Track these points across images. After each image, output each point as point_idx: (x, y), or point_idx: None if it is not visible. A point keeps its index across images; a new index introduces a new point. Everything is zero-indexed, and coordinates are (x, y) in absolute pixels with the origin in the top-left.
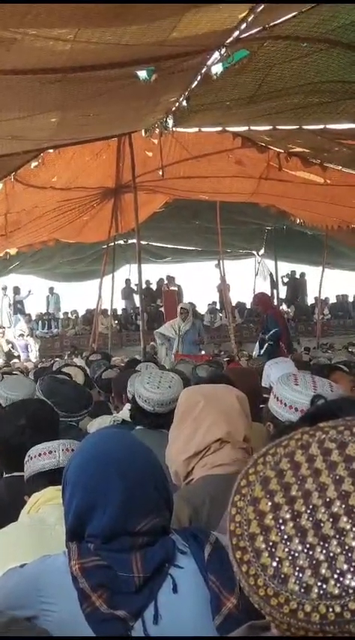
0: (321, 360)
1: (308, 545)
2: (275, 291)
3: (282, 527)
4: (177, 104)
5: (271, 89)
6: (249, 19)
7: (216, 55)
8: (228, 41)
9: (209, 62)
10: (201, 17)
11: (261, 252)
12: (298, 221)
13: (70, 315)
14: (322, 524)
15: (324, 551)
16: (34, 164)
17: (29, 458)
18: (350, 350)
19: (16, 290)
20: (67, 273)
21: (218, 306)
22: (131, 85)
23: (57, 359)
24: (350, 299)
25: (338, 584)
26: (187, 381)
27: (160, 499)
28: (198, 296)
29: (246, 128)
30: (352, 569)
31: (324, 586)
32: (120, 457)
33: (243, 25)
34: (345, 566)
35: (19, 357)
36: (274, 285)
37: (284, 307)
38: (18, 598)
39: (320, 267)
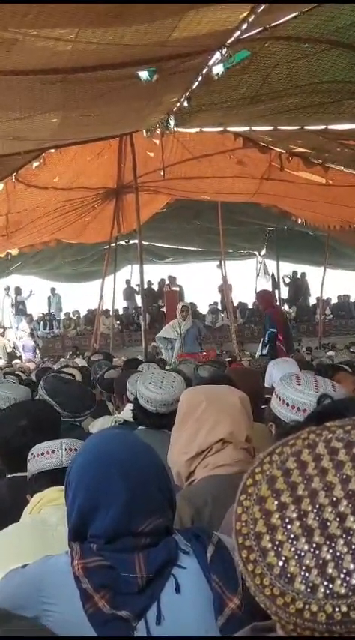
0: (323, 360)
1: (314, 545)
2: (276, 291)
3: (289, 527)
4: (179, 104)
5: (272, 90)
6: (250, 20)
7: (217, 55)
8: (229, 42)
9: (210, 63)
10: (201, 17)
11: (263, 252)
12: (300, 221)
13: (71, 316)
14: (328, 524)
15: (331, 551)
16: (35, 164)
17: (32, 456)
18: (352, 350)
19: (18, 290)
20: (68, 274)
21: (219, 307)
22: (132, 85)
23: (62, 359)
24: (352, 299)
25: (345, 584)
26: (189, 382)
27: (163, 499)
28: (199, 296)
29: (247, 128)
30: None
31: (330, 585)
32: (123, 458)
33: (244, 26)
34: (352, 566)
35: (20, 357)
36: (276, 285)
37: (286, 307)
38: (19, 599)
39: (322, 267)
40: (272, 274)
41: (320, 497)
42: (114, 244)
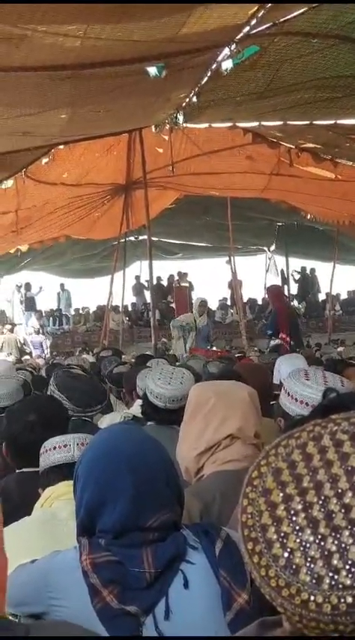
0: (333, 355)
1: (319, 536)
2: (285, 287)
3: (294, 518)
4: (188, 100)
5: (282, 85)
6: (259, 15)
7: (226, 51)
8: (238, 37)
9: (219, 58)
10: (210, 13)
11: (272, 248)
12: (309, 217)
13: (81, 312)
14: (334, 515)
15: (336, 542)
16: (44, 160)
17: (44, 450)
18: None
19: (28, 287)
20: (78, 270)
21: (229, 302)
22: (141, 81)
23: (71, 357)
24: None
25: (350, 575)
26: (198, 377)
27: (171, 495)
28: (208, 292)
29: (256, 124)
30: None
31: (336, 577)
32: (132, 453)
33: (253, 21)
34: None
35: (30, 353)
36: (285, 281)
37: (295, 303)
38: (28, 594)
39: (332, 262)
40: (282, 270)
41: (325, 489)
42: (123, 240)
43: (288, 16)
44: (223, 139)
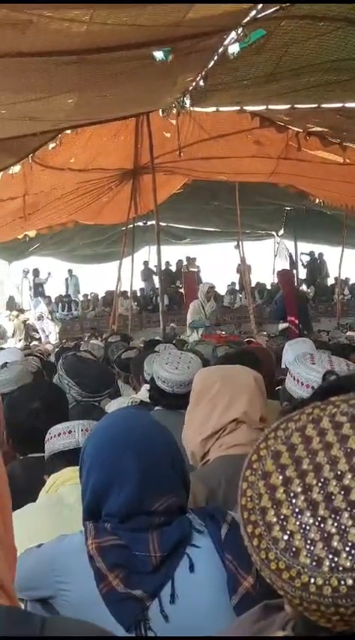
0: (341, 340)
1: (319, 519)
2: (294, 271)
3: (293, 501)
4: (194, 84)
5: (289, 68)
6: None
7: (233, 35)
8: (245, 21)
9: (226, 42)
10: None
11: (281, 232)
12: (317, 201)
13: (89, 297)
14: (333, 497)
15: (336, 524)
16: (51, 145)
17: (50, 437)
18: None
19: (36, 272)
20: (86, 255)
21: (237, 287)
22: (148, 65)
23: (83, 342)
24: None
25: (350, 557)
26: (206, 362)
27: (177, 479)
28: (217, 277)
29: (263, 107)
30: None
31: (336, 559)
32: (138, 437)
33: (260, 5)
34: None
35: (39, 339)
36: (293, 265)
37: (304, 287)
38: (35, 578)
39: (340, 247)
40: (290, 254)
41: (324, 471)
42: (131, 225)
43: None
44: (231, 124)
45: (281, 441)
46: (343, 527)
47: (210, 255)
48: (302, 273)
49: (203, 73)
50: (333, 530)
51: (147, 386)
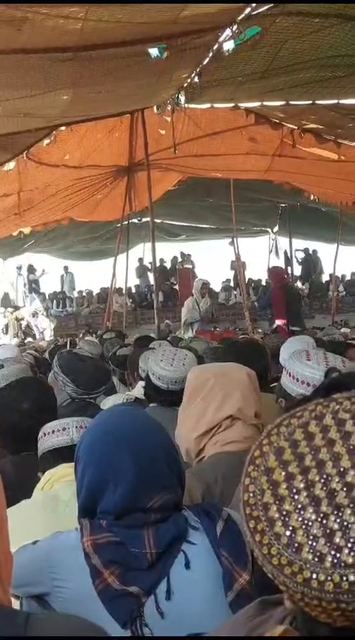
0: (335, 337)
1: (322, 515)
2: (289, 268)
3: (296, 497)
4: (189, 80)
5: (283, 64)
6: None
7: (228, 32)
8: (240, 18)
9: (221, 39)
10: None
11: (276, 229)
12: (312, 198)
13: (84, 294)
14: (336, 494)
15: (338, 520)
16: (46, 142)
17: (43, 434)
18: None
19: (31, 269)
20: (81, 252)
21: (232, 284)
22: (143, 62)
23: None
24: None
25: (352, 553)
26: (201, 359)
27: (172, 475)
28: (212, 274)
29: (258, 104)
30: None
31: (338, 555)
32: (132, 434)
33: (254, 3)
34: None
35: (34, 336)
36: (288, 262)
37: (299, 284)
38: (31, 575)
39: (335, 244)
40: (285, 251)
41: (327, 467)
42: (126, 222)
43: None
44: (226, 121)
45: (284, 438)
46: (345, 523)
47: (204, 252)
48: (297, 270)
49: (198, 70)
50: (336, 526)
51: (142, 383)
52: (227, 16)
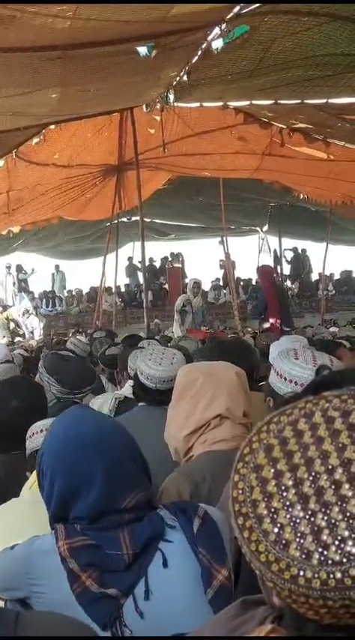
0: (324, 336)
1: (309, 512)
2: (278, 267)
3: (284, 494)
4: (178, 79)
5: (272, 63)
6: None
7: (217, 30)
8: (228, 17)
9: (209, 38)
10: None
11: (265, 228)
12: (302, 197)
13: (73, 293)
14: (324, 491)
15: (326, 518)
16: (35, 140)
17: (31, 434)
18: (354, 325)
19: (19, 268)
20: (70, 251)
21: (221, 283)
22: (131, 60)
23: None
24: None
25: (339, 551)
26: (189, 358)
27: (140, 471)
28: (201, 273)
29: (247, 102)
30: (353, 535)
31: (325, 552)
32: (95, 436)
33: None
34: (346, 533)
35: (23, 335)
36: (278, 261)
37: (288, 283)
38: (9, 580)
39: (324, 243)
40: (275, 250)
41: (316, 465)
42: (116, 221)
43: None
44: (215, 120)
45: (274, 435)
46: (333, 521)
47: (194, 251)
48: (286, 269)
49: (187, 68)
50: (323, 523)
51: (131, 382)
52: (216, 14)
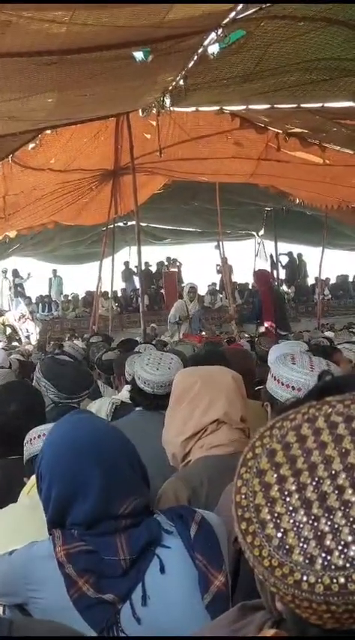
0: (320, 340)
1: (313, 517)
2: (275, 272)
3: (288, 499)
4: (174, 83)
5: (268, 67)
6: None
7: (213, 35)
8: (225, 22)
9: (206, 43)
10: None
11: (261, 232)
12: (298, 201)
13: (70, 298)
14: (327, 496)
15: (329, 523)
16: (31, 145)
17: (29, 439)
18: (350, 330)
19: (15, 273)
20: (67, 256)
21: (218, 288)
22: (128, 65)
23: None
24: (351, 279)
25: (343, 556)
26: (186, 363)
27: (138, 478)
28: (198, 277)
29: (243, 107)
30: None
31: (328, 557)
32: (93, 442)
33: (240, 6)
34: (350, 538)
35: (19, 340)
36: (274, 265)
37: (284, 288)
38: (7, 585)
39: (320, 247)
40: (271, 255)
41: (319, 470)
42: (112, 226)
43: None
44: (211, 125)
45: (277, 440)
46: (336, 526)
47: (190, 255)
48: (283, 274)
49: (183, 73)
50: (326, 528)
51: (128, 387)
52: (212, 19)
